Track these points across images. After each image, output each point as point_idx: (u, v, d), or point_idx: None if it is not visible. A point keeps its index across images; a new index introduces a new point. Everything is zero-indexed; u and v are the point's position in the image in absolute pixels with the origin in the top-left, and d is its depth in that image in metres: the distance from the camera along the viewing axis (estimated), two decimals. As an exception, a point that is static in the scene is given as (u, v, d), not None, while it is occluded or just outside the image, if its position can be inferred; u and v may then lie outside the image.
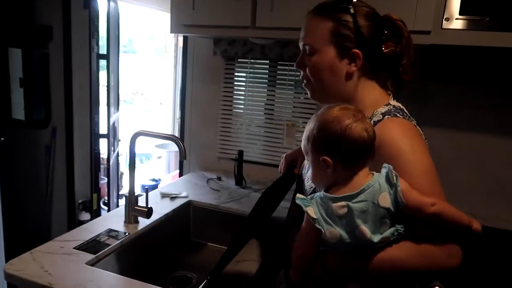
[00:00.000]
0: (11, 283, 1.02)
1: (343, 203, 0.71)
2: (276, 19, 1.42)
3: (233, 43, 1.87)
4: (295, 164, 1.18)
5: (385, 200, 0.71)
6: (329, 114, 0.76)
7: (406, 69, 0.90)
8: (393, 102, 0.89)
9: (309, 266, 0.76)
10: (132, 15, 4.37)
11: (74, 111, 2.43)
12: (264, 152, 1.97)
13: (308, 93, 0.96)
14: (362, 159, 0.74)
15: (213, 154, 2.07)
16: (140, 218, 1.36)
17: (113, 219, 1.36)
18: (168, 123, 4.41)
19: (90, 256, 1.10)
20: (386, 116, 0.83)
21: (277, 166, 1.88)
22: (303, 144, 0.80)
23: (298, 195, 0.76)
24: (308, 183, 0.95)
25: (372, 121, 0.82)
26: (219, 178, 1.93)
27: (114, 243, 1.20)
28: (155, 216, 1.38)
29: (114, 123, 2.72)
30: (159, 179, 4.17)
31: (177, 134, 4.06)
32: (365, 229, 0.70)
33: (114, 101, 2.67)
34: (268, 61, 1.90)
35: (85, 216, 2.56)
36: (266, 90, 1.94)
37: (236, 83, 1.99)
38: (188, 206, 1.62)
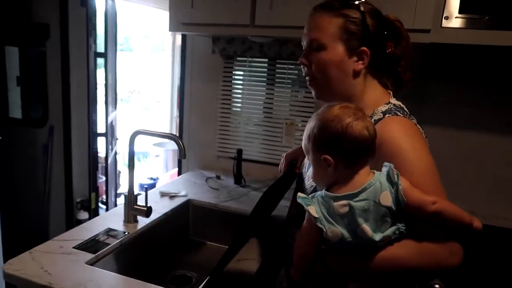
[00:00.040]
0: (10, 283, 1.01)
1: (344, 202, 0.71)
2: (275, 17, 1.42)
3: (231, 42, 1.87)
4: (295, 163, 1.17)
5: (386, 199, 0.72)
6: (329, 113, 0.76)
7: (405, 69, 0.91)
8: (394, 101, 0.89)
9: (310, 265, 0.76)
10: (128, 13, 4.34)
11: (71, 109, 2.41)
12: (263, 151, 1.97)
13: (313, 93, 0.94)
14: (363, 158, 0.74)
15: (212, 152, 2.07)
16: (139, 217, 1.36)
17: (112, 218, 1.36)
18: (166, 121, 4.39)
19: (89, 256, 1.10)
20: (387, 115, 0.83)
21: (276, 164, 1.89)
22: (303, 143, 0.80)
23: (300, 194, 0.75)
24: (309, 181, 0.95)
25: (372, 120, 0.82)
26: (218, 177, 1.92)
27: (113, 242, 1.19)
28: (154, 215, 1.38)
29: (112, 122, 2.71)
30: (157, 178, 4.16)
31: (175, 132, 4.06)
32: (367, 227, 0.71)
33: (111, 99, 2.66)
34: (266, 60, 1.90)
35: (84, 215, 2.55)
36: (265, 88, 1.93)
37: (234, 81, 1.99)
38: (187, 205, 1.62)
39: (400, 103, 0.89)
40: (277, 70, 1.90)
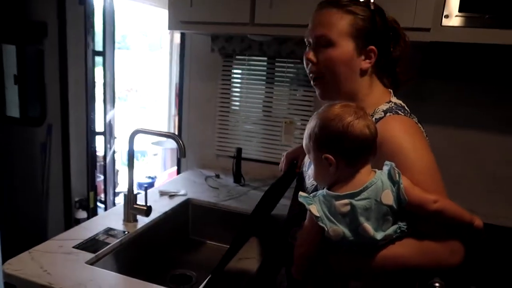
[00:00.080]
0: (10, 283, 1.01)
1: (346, 201, 0.71)
2: (275, 15, 1.42)
3: (230, 40, 1.86)
4: (296, 162, 1.17)
5: (388, 198, 0.72)
6: (330, 112, 0.75)
7: (403, 70, 0.92)
8: (394, 100, 0.89)
9: (312, 264, 0.76)
10: (125, 11, 4.32)
11: (70, 108, 2.40)
12: (262, 150, 1.97)
13: (318, 92, 0.92)
14: (364, 157, 0.74)
15: (211, 151, 2.07)
16: (139, 217, 1.35)
17: (111, 218, 1.36)
18: (164, 120, 4.38)
19: (89, 255, 1.09)
20: (388, 114, 0.83)
21: (275, 163, 1.90)
22: (304, 142, 0.80)
23: (301, 193, 0.75)
24: (309, 180, 0.95)
25: (374, 119, 0.82)
26: (217, 176, 1.92)
27: (113, 242, 1.19)
28: (154, 215, 1.38)
29: (110, 121, 2.70)
30: (155, 177, 4.15)
31: (173, 130, 4.04)
32: (368, 226, 0.71)
33: (110, 98, 2.65)
34: (266, 58, 1.89)
35: (82, 214, 2.54)
36: (264, 87, 1.93)
37: (234, 80, 1.98)
38: (187, 204, 1.61)
39: (401, 101, 0.89)
40: (276, 69, 1.89)
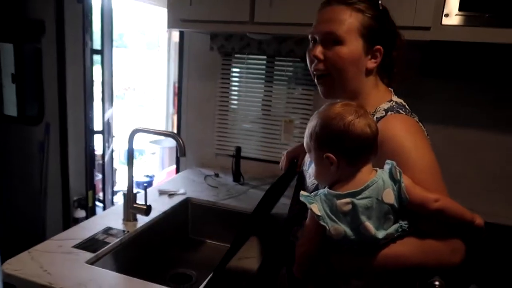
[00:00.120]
0: (10, 283, 1.00)
1: (347, 199, 0.71)
2: (275, 14, 1.41)
3: (230, 38, 1.86)
4: (296, 160, 1.17)
5: (389, 196, 0.72)
6: (331, 111, 0.75)
7: (399, 70, 0.92)
8: (395, 98, 0.89)
9: (313, 263, 0.76)
10: (123, 9, 4.31)
11: (68, 107, 2.39)
12: (262, 148, 1.96)
13: (322, 89, 0.90)
14: (366, 155, 0.74)
15: (210, 150, 2.06)
16: (138, 216, 1.35)
17: (111, 217, 1.35)
18: (162, 118, 4.38)
19: (89, 255, 1.09)
20: (389, 113, 0.83)
21: (274, 162, 1.89)
22: (305, 141, 0.80)
23: (302, 192, 0.75)
24: (310, 179, 0.95)
25: (375, 118, 0.82)
26: (216, 175, 1.92)
27: (113, 241, 1.19)
28: (153, 214, 1.37)
29: (108, 119, 2.69)
30: (153, 175, 4.14)
31: (170, 129, 4.03)
32: (370, 225, 0.71)
33: (108, 96, 2.64)
34: (265, 57, 1.89)
35: (81, 213, 2.54)
36: (263, 86, 1.93)
37: (233, 78, 1.98)
38: (186, 203, 1.61)
39: (401, 100, 0.89)
40: (275, 68, 1.89)
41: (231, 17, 1.49)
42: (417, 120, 0.85)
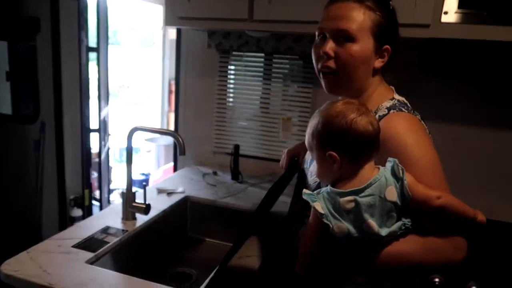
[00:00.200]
0: (9, 283, 0.99)
1: (350, 197, 0.71)
2: (274, 11, 1.40)
3: (228, 36, 1.85)
4: (297, 159, 1.17)
5: (392, 194, 0.72)
6: (333, 109, 0.75)
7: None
8: (397, 97, 0.89)
9: (316, 261, 0.76)
10: (116, 6, 4.27)
11: (63, 105, 2.37)
12: (260, 146, 1.96)
13: (327, 85, 0.88)
14: (368, 153, 0.75)
15: (208, 148, 2.06)
16: (137, 215, 1.34)
17: (109, 216, 1.34)
18: (157, 116, 4.35)
19: (89, 255, 1.08)
20: (392, 111, 0.83)
21: (273, 160, 1.89)
22: (307, 140, 0.79)
23: (305, 190, 0.75)
24: (312, 177, 0.95)
25: (377, 116, 0.82)
26: (215, 173, 1.91)
27: (113, 240, 1.18)
28: (152, 213, 1.37)
29: (104, 117, 2.67)
30: (149, 174, 4.12)
31: (166, 127, 4.01)
32: (373, 223, 0.71)
33: (104, 94, 2.62)
34: (263, 54, 1.88)
35: (77, 212, 2.52)
36: (261, 83, 1.92)
37: (230, 76, 1.97)
38: (185, 202, 1.61)
39: (403, 98, 0.89)
40: (273, 65, 1.89)
41: (230, 15, 1.48)
42: (419, 118, 0.85)
